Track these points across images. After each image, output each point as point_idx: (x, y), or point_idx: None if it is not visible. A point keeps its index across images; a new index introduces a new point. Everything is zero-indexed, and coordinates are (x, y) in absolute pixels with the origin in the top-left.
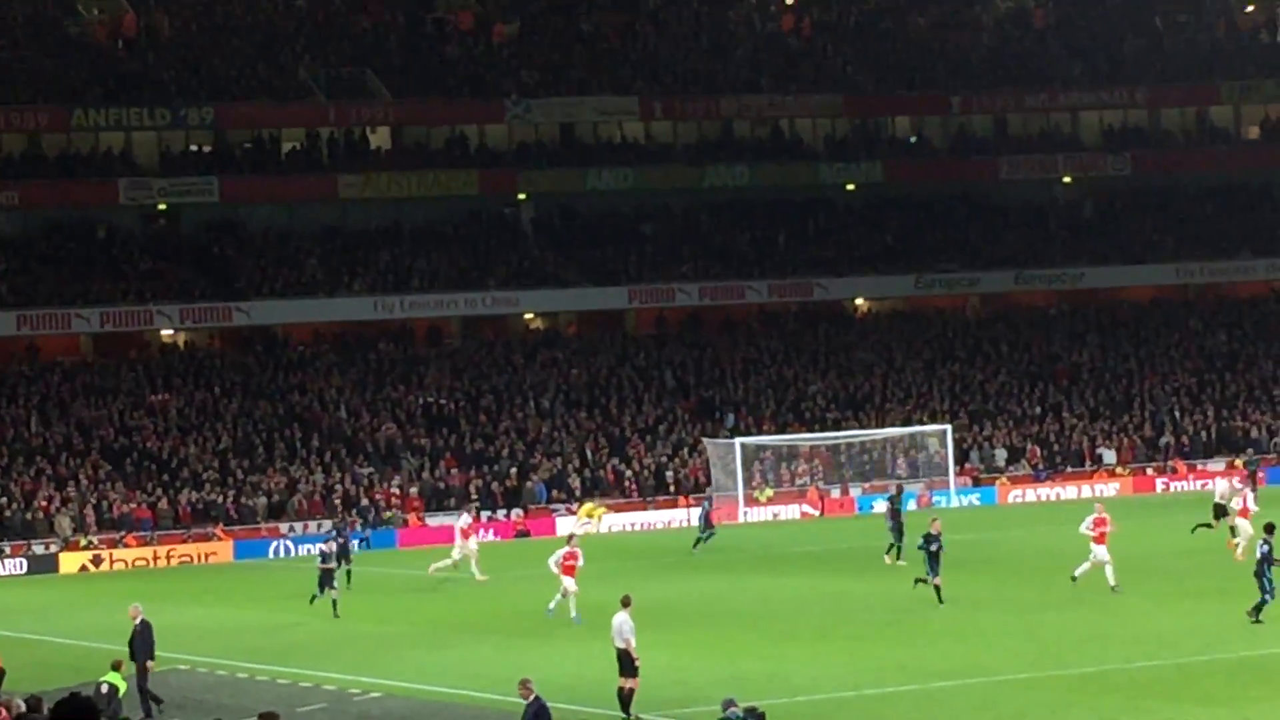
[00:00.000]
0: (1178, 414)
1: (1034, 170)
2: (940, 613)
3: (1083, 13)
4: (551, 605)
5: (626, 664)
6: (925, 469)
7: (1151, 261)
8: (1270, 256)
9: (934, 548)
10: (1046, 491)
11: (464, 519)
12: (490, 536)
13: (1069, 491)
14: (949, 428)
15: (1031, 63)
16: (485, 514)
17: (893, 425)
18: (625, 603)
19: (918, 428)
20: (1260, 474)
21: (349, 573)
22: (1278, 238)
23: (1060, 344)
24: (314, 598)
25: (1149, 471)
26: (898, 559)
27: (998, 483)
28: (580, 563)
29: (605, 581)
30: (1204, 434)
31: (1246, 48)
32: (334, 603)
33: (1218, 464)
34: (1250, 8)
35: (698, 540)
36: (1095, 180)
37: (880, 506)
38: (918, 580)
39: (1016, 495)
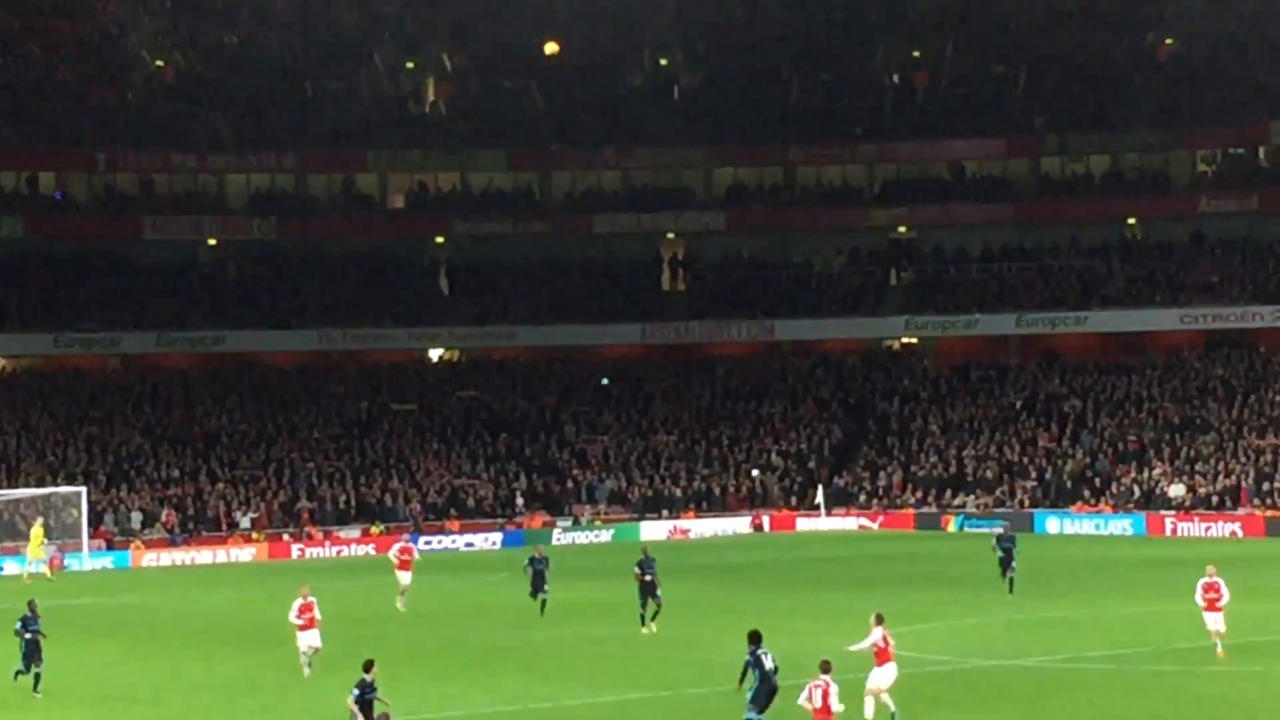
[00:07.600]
0: (316, 480)
1: (179, 231)
2: (77, 679)
3: (228, 74)
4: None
5: None
6: (59, 531)
7: (295, 327)
8: (412, 325)
9: None
10: (182, 555)
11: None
12: None
13: (204, 555)
14: (84, 489)
15: (180, 124)
16: None
17: (27, 486)
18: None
19: (52, 489)
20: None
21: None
22: (420, 306)
23: (200, 407)
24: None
25: (285, 537)
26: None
27: (132, 546)
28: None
29: None
30: (340, 501)
31: (394, 117)
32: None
33: (353, 531)
34: (437, 79)
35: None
36: (240, 243)
37: None
38: (18, 673)
39: (151, 559)
